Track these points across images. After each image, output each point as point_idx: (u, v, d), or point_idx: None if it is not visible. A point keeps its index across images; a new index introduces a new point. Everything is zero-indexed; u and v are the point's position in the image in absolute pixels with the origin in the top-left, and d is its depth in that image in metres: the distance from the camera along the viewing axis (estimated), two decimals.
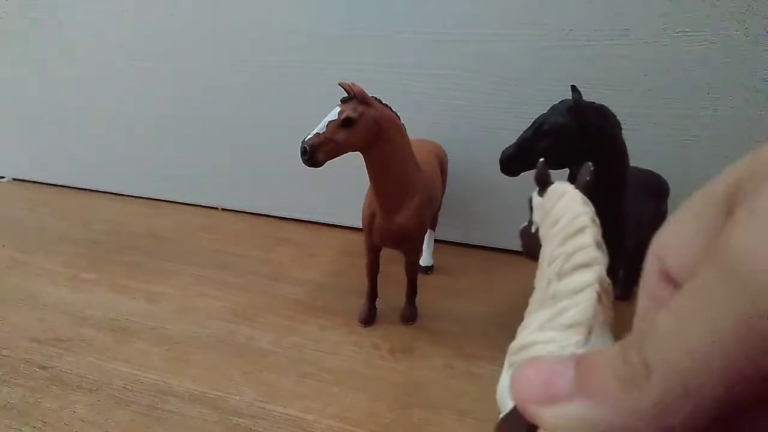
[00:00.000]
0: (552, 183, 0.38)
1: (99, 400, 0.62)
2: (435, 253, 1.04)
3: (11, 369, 0.67)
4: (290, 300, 0.88)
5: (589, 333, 0.27)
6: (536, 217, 0.42)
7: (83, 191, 1.48)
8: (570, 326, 0.28)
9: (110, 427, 0.58)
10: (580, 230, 0.31)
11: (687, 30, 0.88)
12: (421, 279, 0.98)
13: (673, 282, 0.15)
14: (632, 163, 0.85)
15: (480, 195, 1.04)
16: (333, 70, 1.11)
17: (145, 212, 1.32)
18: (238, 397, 0.64)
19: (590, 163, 0.37)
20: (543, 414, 0.15)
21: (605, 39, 0.93)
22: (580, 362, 0.15)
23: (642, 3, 0.89)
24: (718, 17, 0.87)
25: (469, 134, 1.05)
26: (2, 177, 1.58)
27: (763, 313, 0.10)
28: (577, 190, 0.35)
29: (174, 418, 0.60)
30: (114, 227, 1.20)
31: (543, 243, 0.37)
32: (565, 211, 0.34)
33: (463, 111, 1.04)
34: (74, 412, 0.60)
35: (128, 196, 1.43)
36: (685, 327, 0.12)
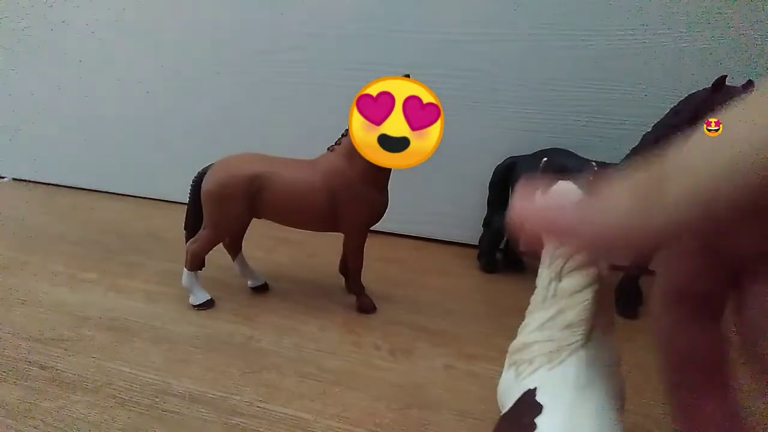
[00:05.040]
0: (555, 182, 0.38)
1: (99, 400, 0.62)
2: (436, 253, 1.04)
3: (11, 369, 0.67)
4: (290, 300, 0.88)
5: (589, 332, 0.27)
6: None
7: (83, 191, 1.48)
8: (569, 326, 0.28)
9: (110, 427, 0.58)
10: None
11: (688, 29, 0.88)
12: (422, 279, 0.98)
13: None
14: None
15: (479, 195, 1.04)
16: (333, 70, 1.11)
17: (145, 212, 1.32)
18: (237, 397, 0.64)
19: (594, 162, 0.37)
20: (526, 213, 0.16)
21: (605, 39, 0.93)
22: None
23: (642, 3, 0.89)
24: (720, 16, 0.86)
25: (469, 134, 1.05)
26: (2, 177, 1.58)
27: None
28: (579, 190, 0.35)
29: (174, 417, 0.60)
30: (114, 227, 1.20)
31: (544, 242, 0.37)
32: None
33: (464, 111, 1.04)
34: (74, 412, 0.60)
35: (128, 196, 1.43)
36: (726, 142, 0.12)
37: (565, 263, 0.30)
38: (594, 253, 0.15)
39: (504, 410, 0.33)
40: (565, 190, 0.35)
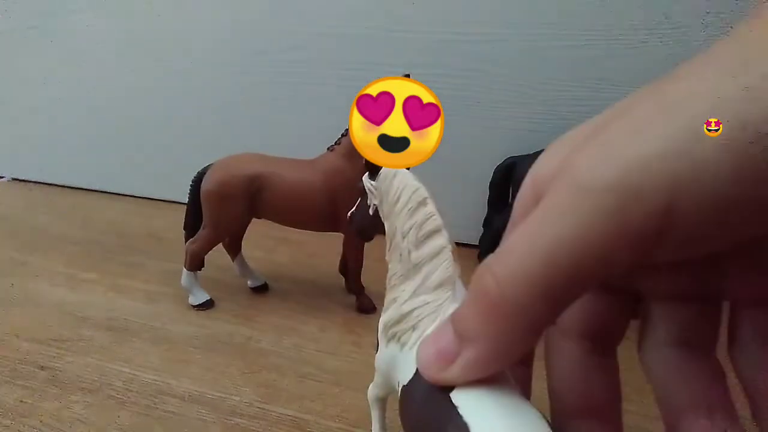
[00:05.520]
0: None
1: (98, 401, 0.62)
2: None
3: (10, 369, 0.67)
4: (290, 300, 0.88)
5: (454, 287, 0.29)
6: (373, 200, 0.44)
7: (83, 191, 1.48)
8: (438, 286, 0.30)
9: (109, 428, 0.58)
10: (423, 202, 0.34)
11: (688, 29, 0.88)
12: None
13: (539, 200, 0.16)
14: None
15: (479, 195, 1.04)
16: (333, 70, 1.11)
17: (145, 212, 1.32)
18: (237, 398, 0.63)
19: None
20: (447, 377, 0.16)
21: (605, 39, 0.93)
22: (452, 319, 0.17)
23: (643, 2, 0.89)
24: (720, 15, 0.86)
25: (469, 134, 1.05)
26: (2, 177, 1.58)
27: (612, 218, 0.12)
28: (407, 170, 0.37)
29: (173, 418, 0.60)
30: (114, 227, 1.20)
31: (386, 220, 0.39)
32: (404, 188, 0.36)
33: (464, 111, 1.04)
34: (73, 412, 0.60)
35: (128, 196, 1.43)
36: (537, 235, 0.13)
37: (418, 233, 0.32)
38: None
39: (386, 378, 0.33)
40: (394, 171, 0.37)
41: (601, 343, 0.19)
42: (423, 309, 0.29)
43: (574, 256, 0.13)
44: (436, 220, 0.32)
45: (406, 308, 0.31)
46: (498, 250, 0.15)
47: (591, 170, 0.13)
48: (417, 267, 0.32)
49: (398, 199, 0.36)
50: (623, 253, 0.13)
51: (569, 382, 0.18)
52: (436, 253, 0.31)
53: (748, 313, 0.16)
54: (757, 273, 0.15)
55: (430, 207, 0.33)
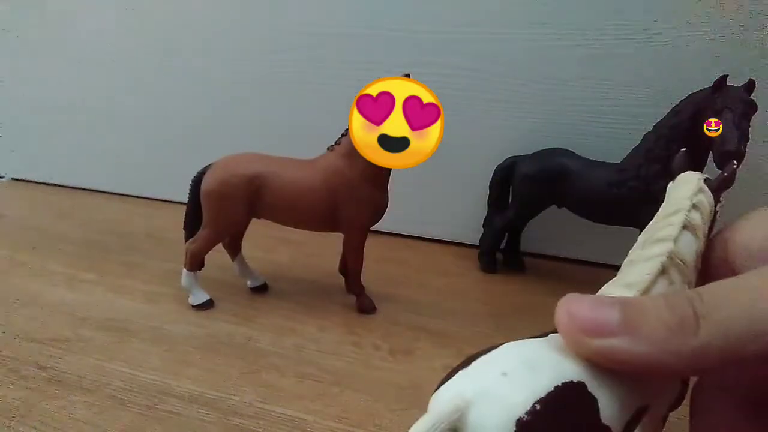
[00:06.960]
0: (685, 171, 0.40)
1: (98, 401, 0.62)
2: (436, 253, 1.04)
3: (10, 369, 0.67)
4: (290, 300, 0.88)
5: (644, 294, 0.28)
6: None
7: (83, 191, 1.48)
8: (628, 286, 0.29)
9: (109, 428, 0.58)
10: (675, 212, 0.33)
11: (688, 28, 0.88)
12: (422, 279, 0.98)
13: (730, 264, 0.19)
14: None
15: (479, 195, 1.04)
16: (333, 70, 1.11)
17: (144, 212, 1.32)
18: (237, 398, 0.63)
19: (684, 149, 0.38)
20: (590, 343, 0.16)
21: (606, 39, 0.93)
22: (627, 304, 0.17)
23: (643, 2, 0.89)
24: (720, 15, 0.86)
25: (469, 134, 1.05)
26: (1, 177, 1.58)
27: None
28: (699, 180, 0.36)
29: (173, 418, 0.60)
30: (114, 227, 1.20)
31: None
32: (675, 195, 0.35)
33: (464, 111, 1.04)
34: (73, 412, 0.60)
35: (128, 196, 1.43)
36: (750, 298, 0.15)
37: (651, 236, 0.32)
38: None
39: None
40: (685, 179, 0.36)
41: (761, 407, 0.19)
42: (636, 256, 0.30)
43: None
44: (670, 231, 0.31)
45: (601, 291, 0.31)
46: (716, 289, 0.16)
47: None
48: (631, 264, 0.31)
49: (666, 203, 0.36)
50: None
51: None
52: (648, 258, 0.30)
53: None
54: None
55: (677, 218, 0.33)
